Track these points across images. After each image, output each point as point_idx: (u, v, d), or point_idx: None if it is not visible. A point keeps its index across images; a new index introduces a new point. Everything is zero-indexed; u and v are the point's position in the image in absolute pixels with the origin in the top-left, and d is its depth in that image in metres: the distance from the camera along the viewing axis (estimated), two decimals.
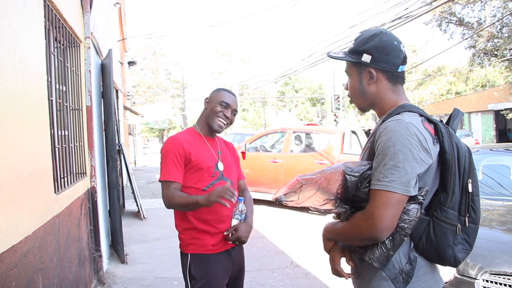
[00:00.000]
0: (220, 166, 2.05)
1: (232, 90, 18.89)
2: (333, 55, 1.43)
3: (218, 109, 2.02)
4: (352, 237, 1.30)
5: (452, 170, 1.25)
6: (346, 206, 1.28)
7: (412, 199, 1.20)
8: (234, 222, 1.99)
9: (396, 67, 1.33)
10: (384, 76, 1.34)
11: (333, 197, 1.27)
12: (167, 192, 1.93)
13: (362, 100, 1.41)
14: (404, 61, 1.35)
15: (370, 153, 1.30)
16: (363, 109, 1.45)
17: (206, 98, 2.12)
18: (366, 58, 1.33)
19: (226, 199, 1.74)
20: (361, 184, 1.24)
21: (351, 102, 1.47)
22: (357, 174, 1.24)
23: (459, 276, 2.16)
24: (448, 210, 1.25)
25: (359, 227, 1.23)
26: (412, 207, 1.20)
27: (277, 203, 1.41)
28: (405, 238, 1.22)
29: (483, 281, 2.09)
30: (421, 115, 1.28)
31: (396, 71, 1.34)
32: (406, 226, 1.20)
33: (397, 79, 1.35)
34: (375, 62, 1.32)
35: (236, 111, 2.09)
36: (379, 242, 1.21)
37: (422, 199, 1.21)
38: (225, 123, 2.05)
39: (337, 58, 1.42)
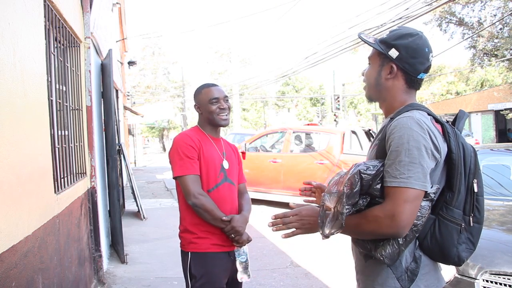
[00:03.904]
0: (226, 164, 2.07)
1: (232, 90, 18.87)
2: (364, 37, 1.40)
3: (213, 108, 2.04)
4: (368, 232, 1.25)
5: (458, 169, 1.26)
6: (363, 200, 1.24)
7: (424, 196, 1.21)
8: (239, 265, 2.00)
9: (417, 73, 1.34)
10: (403, 76, 1.35)
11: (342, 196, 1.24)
12: (197, 189, 1.93)
13: (374, 91, 1.41)
14: (426, 70, 1.35)
15: (379, 150, 1.30)
16: (371, 99, 1.46)
17: (195, 105, 2.14)
18: (393, 53, 1.32)
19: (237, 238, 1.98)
20: (373, 181, 1.24)
21: (364, 88, 1.46)
22: (371, 172, 1.23)
23: (459, 276, 2.16)
24: (453, 209, 1.26)
25: (380, 224, 1.20)
26: (425, 204, 1.22)
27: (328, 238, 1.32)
28: (417, 235, 1.23)
29: (483, 281, 2.09)
30: (429, 114, 1.30)
31: (416, 76, 1.34)
32: (418, 222, 1.21)
33: (414, 84, 1.36)
34: (399, 60, 1.32)
35: (227, 96, 2.11)
36: (396, 238, 1.21)
37: (434, 197, 1.22)
38: (226, 113, 2.08)
39: (366, 41, 1.39)
